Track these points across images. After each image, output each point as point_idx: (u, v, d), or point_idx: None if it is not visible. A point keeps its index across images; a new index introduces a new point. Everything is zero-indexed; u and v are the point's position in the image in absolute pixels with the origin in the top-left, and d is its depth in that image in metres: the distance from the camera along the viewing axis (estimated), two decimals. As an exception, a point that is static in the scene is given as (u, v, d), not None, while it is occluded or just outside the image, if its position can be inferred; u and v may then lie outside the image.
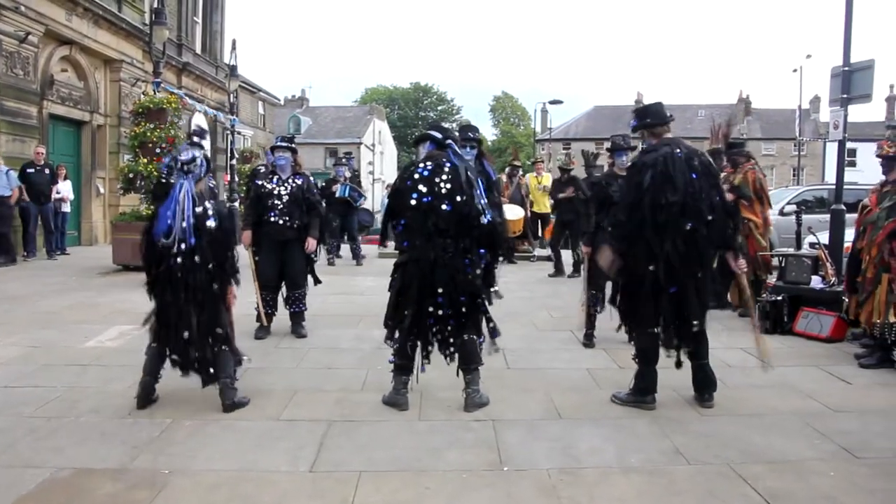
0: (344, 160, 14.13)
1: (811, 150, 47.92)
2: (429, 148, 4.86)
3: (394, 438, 4.25)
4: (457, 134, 5.12)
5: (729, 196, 7.73)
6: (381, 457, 3.98)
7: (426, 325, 4.75)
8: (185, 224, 4.55)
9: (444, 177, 4.63)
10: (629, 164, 4.90)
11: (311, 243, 6.85)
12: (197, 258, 4.60)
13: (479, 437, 4.28)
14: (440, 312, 4.66)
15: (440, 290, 4.60)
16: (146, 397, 4.70)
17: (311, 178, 7.23)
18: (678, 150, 4.68)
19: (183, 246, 4.55)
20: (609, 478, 3.75)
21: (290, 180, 6.83)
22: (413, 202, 4.61)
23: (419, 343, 4.77)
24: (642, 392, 4.81)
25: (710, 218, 4.63)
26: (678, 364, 4.88)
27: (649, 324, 4.78)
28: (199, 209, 4.65)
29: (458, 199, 4.59)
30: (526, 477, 3.75)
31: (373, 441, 4.21)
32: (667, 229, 4.58)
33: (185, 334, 4.61)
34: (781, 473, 3.79)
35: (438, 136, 4.85)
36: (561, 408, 4.85)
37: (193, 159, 4.76)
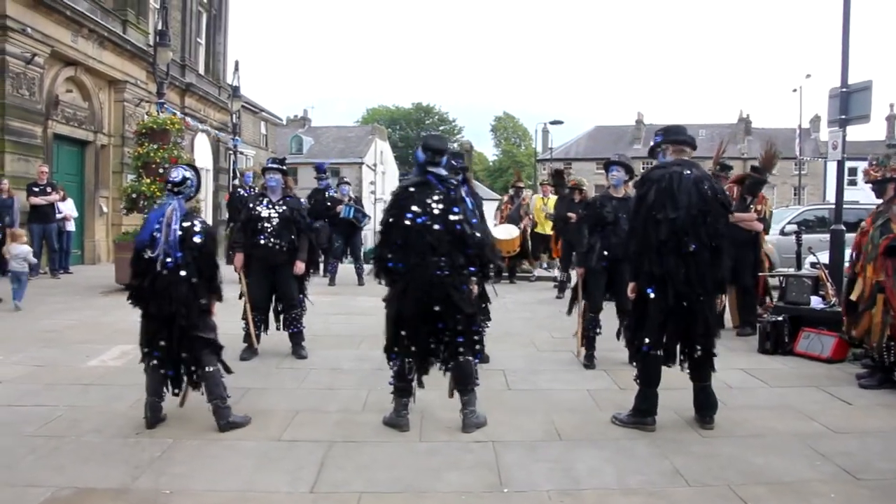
0: (346, 180, 14.27)
1: (812, 170, 47.99)
2: (416, 171, 4.87)
3: (394, 459, 4.26)
4: (447, 153, 5.08)
5: (758, 226, 7.88)
6: (382, 478, 3.98)
7: (425, 346, 4.77)
8: (171, 239, 4.62)
9: (435, 197, 4.70)
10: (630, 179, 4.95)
11: (299, 266, 6.85)
12: (183, 272, 4.65)
13: (479, 459, 4.28)
14: (439, 330, 4.69)
15: (437, 309, 4.63)
16: (155, 417, 4.72)
17: (302, 200, 7.26)
18: (688, 171, 4.72)
19: (168, 260, 4.61)
20: (609, 499, 3.75)
21: (280, 202, 6.85)
22: (407, 222, 4.65)
23: (417, 364, 4.79)
24: (643, 413, 4.81)
25: (714, 244, 4.66)
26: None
27: (652, 345, 4.79)
28: (186, 224, 4.72)
29: (451, 218, 4.65)
30: (526, 498, 3.75)
31: (373, 462, 4.21)
32: (670, 248, 4.61)
33: (171, 344, 4.65)
34: (782, 495, 3.78)
35: (420, 159, 4.82)
36: (561, 429, 4.85)
37: (184, 180, 4.87)
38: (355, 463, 4.20)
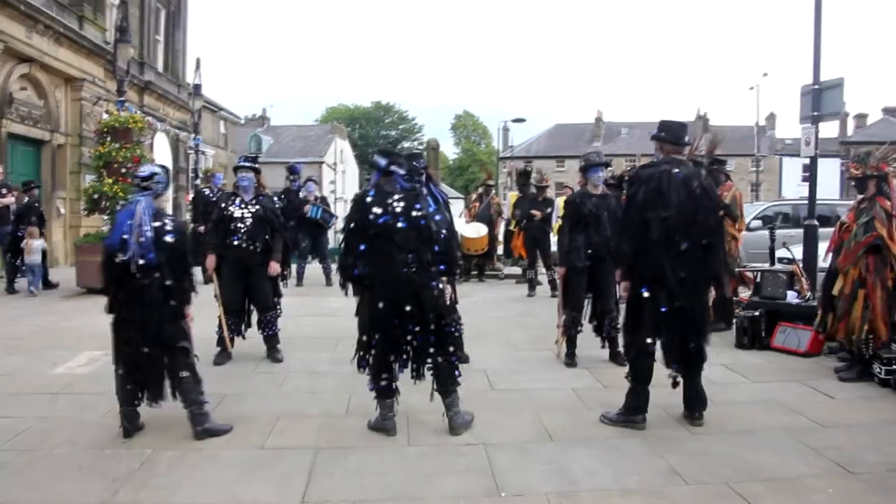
0: (313, 178, 14.03)
1: (768, 166, 48.88)
2: (376, 177, 4.78)
3: (385, 465, 4.14)
4: (403, 158, 4.99)
5: None
6: (374, 485, 3.87)
7: (398, 347, 4.65)
8: (142, 240, 4.42)
9: (396, 196, 4.61)
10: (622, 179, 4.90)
11: (273, 267, 6.69)
12: (156, 274, 4.47)
13: (471, 462, 4.19)
14: (410, 330, 4.57)
15: (407, 309, 4.52)
16: (132, 426, 4.54)
17: (275, 199, 7.09)
18: (677, 170, 4.69)
19: (141, 262, 4.42)
20: (608, 500, 3.70)
21: (253, 202, 6.66)
22: (369, 222, 4.55)
23: (395, 364, 4.67)
24: (633, 411, 4.76)
25: (705, 242, 4.65)
26: (675, 384, 4.86)
27: (647, 343, 4.74)
28: (156, 223, 4.53)
29: (414, 214, 4.57)
30: (525, 502, 3.67)
31: (363, 468, 4.09)
32: (662, 247, 4.57)
33: (146, 349, 4.46)
34: (780, 491, 3.76)
35: (382, 163, 4.74)
36: (551, 429, 4.78)
37: (152, 176, 4.68)
38: (344, 470, 4.07)
